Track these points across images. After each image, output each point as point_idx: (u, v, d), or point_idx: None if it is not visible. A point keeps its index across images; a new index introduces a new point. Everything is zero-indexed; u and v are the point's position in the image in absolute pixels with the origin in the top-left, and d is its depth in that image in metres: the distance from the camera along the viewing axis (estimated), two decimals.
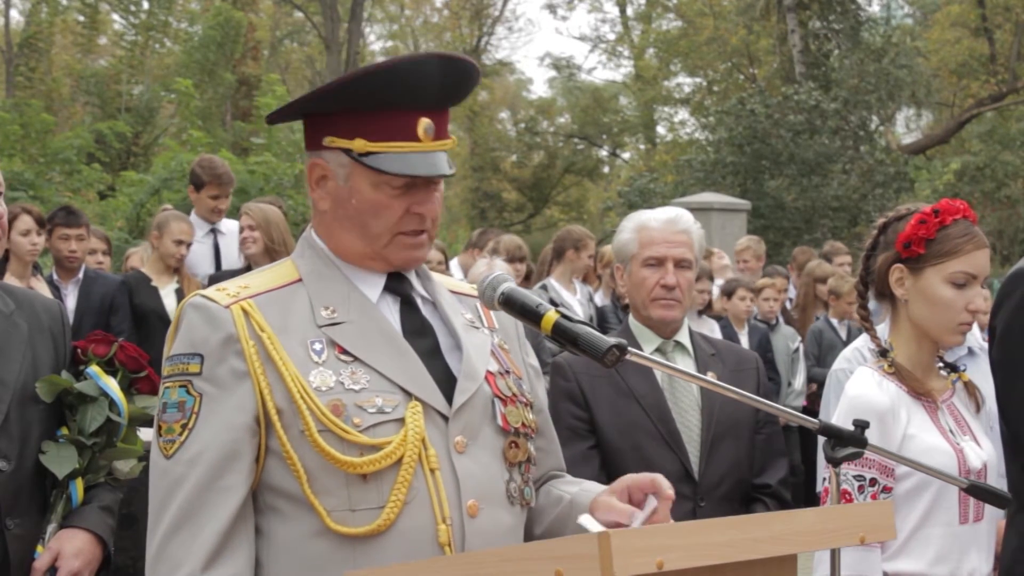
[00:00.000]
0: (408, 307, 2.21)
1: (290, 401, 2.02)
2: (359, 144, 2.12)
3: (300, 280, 2.17)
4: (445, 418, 2.09)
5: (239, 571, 2.01)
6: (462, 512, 2.05)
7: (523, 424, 2.19)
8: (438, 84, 2.13)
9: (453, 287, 2.34)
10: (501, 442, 2.15)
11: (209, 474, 2.01)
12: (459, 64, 2.16)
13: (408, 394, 2.07)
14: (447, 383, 2.12)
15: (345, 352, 2.08)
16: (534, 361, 2.38)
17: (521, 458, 2.17)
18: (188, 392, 2.05)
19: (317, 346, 2.07)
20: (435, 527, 2.02)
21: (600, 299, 8.68)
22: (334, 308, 2.12)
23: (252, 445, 2.03)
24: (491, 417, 2.15)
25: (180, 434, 2.04)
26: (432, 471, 2.04)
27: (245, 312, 2.07)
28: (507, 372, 2.23)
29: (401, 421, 2.04)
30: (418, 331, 2.18)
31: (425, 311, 2.23)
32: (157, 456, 2.06)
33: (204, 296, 2.11)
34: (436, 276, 2.32)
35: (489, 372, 2.18)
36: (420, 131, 2.12)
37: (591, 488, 2.23)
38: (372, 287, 2.18)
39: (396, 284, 2.21)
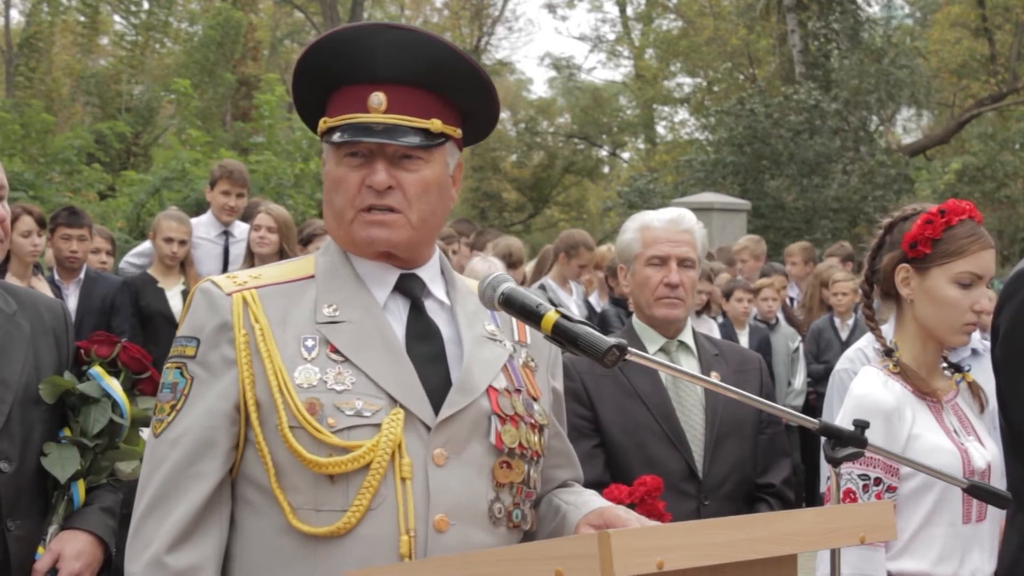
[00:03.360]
0: (417, 310, 2.17)
1: (269, 394, 2.02)
2: (322, 123, 2.18)
3: (314, 276, 2.17)
4: (428, 428, 2.05)
5: (204, 557, 2.01)
6: (428, 525, 2.02)
7: (520, 445, 2.13)
8: (383, 54, 2.12)
9: None
10: (491, 460, 2.10)
11: (186, 457, 2.03)
12: (402, 33, 2.14)
13: (394, 400, 2.04)
14: (441, 392, 2.08)
15: (336, 351, 2.06)
16: (559, 386, 2.33)
17: (514, 479, 2.11)
18: (182, 374, 2.08)
19: (309, 343, 2.07)
20: (397, 537, 1.99)
21: (596, 300, 8.66)
22: (337, 307, 2.11)
23: (230, 433, 2.05)
24: (483, 433, 2.09)
25: (169, 414, 2.07)
26: (404, 480, 2.01)
27: (245, 302, 2.08)
28: (518, 391, 2.17)
29: (378, 427, 2.01)
30: (423, 336, 2.15)
31: (439, 317, 2.19)
32: (149, 434, 2.11)
33: (213, 282, 2.14)
34: (465, 282, 2.27)
35: (492, 388, 2.13)
36: (371, 102, 2.12)
37: (581, 504, 2.20)
38: (382, 287, 2.16)
39: (407, 285, 2.18)
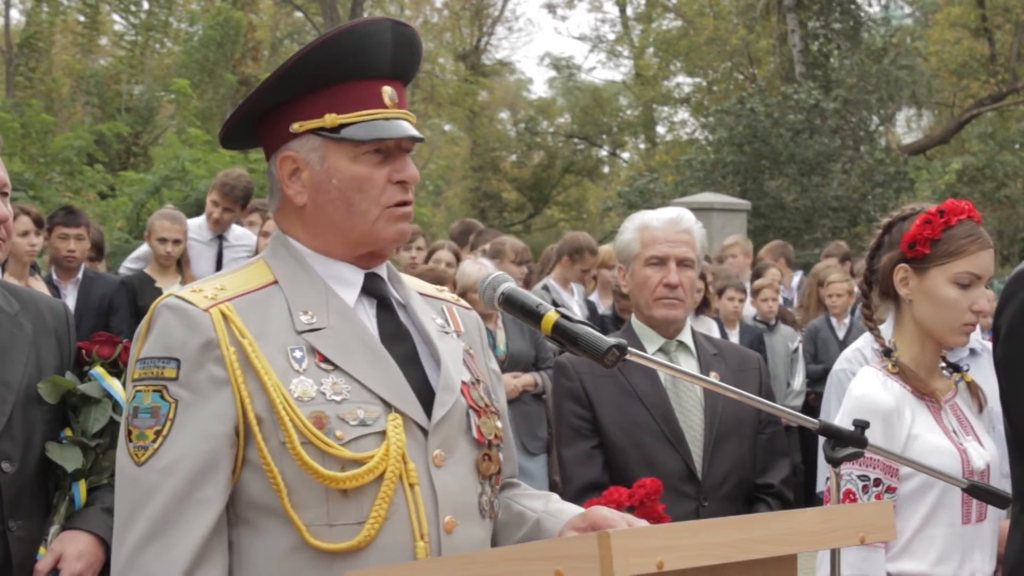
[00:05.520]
0: (385, 310, 2.14)
1: (271, 411, 1.94)
2: (330, 119, 2.06)
3: (275, 282, 2.08)
4: (424, 431, 2.03)
5: None
6: (439, 528, 2.01)
7: (495, 436, 2.14)
8: (392, 49, 2.10)
9: (421, 289, 2.27)
10: (475, 455, 2.10)
11: (186, 484, 1.92)
12: (407, 29, 2.15)
13: (388, 405, 2.01)
14: (425, 393, 2.06)
15: (326, 360, 2.00)
16: (495, 366, 2.33)
17: (493, 470, 2.12)
18: (163, 397, 1.96)
19: (297, 353, 2.00)
20: (413, 544, 1.98)
21: (597, 300, 8.68)
22: (313, 313, 2.04)
23: (231, 456, 1.95)
24: (466, 429, 2.09)
25: (154, 441, 1.94)
26: (411, 486, 1.99)
27: (224, 316, 1.98)
28: (478, 381, 2.17)
29: (382, 434, 1.98)
30: (395, 336, 2.11)
31: (402, 314, 2.16)
32: (127, 462, 1.97)
33: (180, 298, 2.01)
34: (404, 278, 2.25)
35: (464, 382, 2.12)
36: (386, 98, 2.09)
37: (557, 511, 2.18)
38: (349, 289, 2.11)
39: (373, 285, 2.14)
